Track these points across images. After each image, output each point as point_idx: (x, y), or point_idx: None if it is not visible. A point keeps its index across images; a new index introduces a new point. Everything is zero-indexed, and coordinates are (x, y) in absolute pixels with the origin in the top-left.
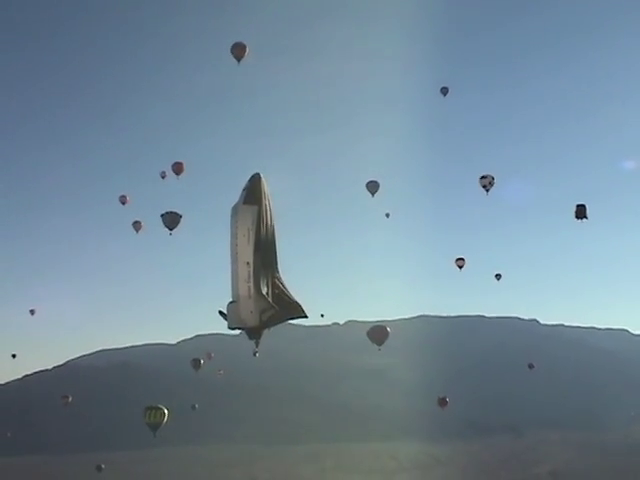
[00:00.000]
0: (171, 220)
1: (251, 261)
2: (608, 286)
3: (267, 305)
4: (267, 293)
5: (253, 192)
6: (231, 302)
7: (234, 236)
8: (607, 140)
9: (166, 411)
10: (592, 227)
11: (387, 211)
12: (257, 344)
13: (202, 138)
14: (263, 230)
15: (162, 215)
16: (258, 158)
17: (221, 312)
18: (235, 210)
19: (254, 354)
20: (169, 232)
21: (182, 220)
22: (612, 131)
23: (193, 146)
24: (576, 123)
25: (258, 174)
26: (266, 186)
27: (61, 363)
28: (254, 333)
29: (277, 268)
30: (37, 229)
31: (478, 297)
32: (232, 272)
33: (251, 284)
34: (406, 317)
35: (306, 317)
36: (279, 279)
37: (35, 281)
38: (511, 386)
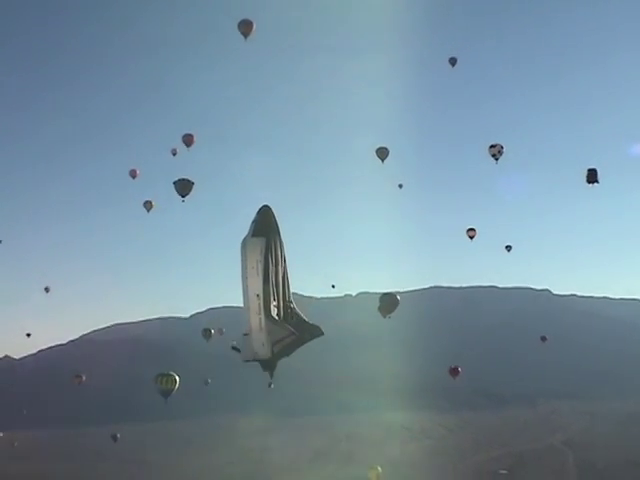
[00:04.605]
0: (183, 187)
1: (261, 293)
2: (621, 256)
3: (282, 335)
4: (281, 320)
5: (261, 224)
6: (244, 334)
7: (244, 269)
8: (620, 105)
9: (177, 378)
10: (604, 196)
11: (399, 181)
12: (271, 375)
13: (212, 107)
14: (272, 261)
15: (174, 182)
16: (266, 129)
17: (234, 347)
18: (244, 243)
19: (269, 385)
20: (182, 199)
21: (194, 188)
22: (624, 95)
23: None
24: (588, 89)
25: (267, 206)
26: (275, 217)
27: (76, 337)
28: (268, 365)
29: (290, 298)
30: (49, 206)
31: (490, 267)
32: (244, 305)
33: (262, 316)
34: (418, 288)
35: (322, 335)
36: (293, 309)
37: (50, 258)
38: (524, 356)
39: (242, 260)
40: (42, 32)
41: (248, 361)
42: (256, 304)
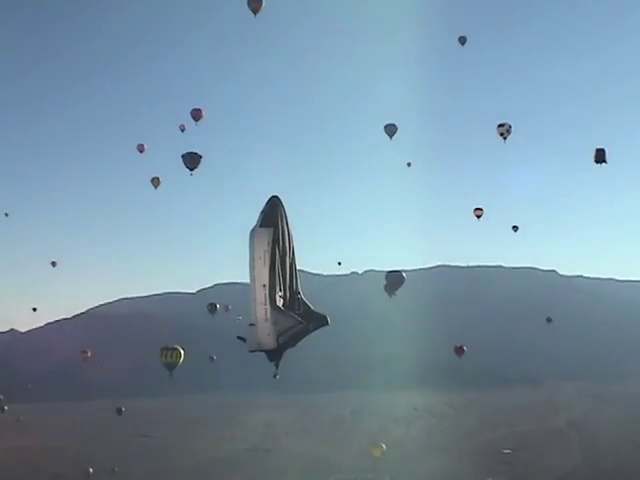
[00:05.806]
0: (191, 160)
1: (267, 283)
2: (628, 238)
3: (287, 325)
4: (287, 310)
5: (269, 215)
6: (250, 324)
7: (251, 259)
8: (631, 86)
9: (182, 351)
10: (612, 177)
11: (407, 159)
12: (277, 366)
13: (219, 85)
14: (279, 251)
15: (183, 156)
16: (276, 108)
17: (239, 337)
18: (252, 234)
19: (274, 376)
20: (190, 173)
21: (202, 161)
22: (636, 76)
23: (210, 92)
24: (596, 69)
25: (276, 196)
26: (284, 208)
27: (82, 312)
28: (273, 355)
29: (298, 289)
30: (57, 180)
31: (497, 247)
32: (250, 295)
33: (267, 306)
34: (425, 267)
35: (327, 324)
36: (300, 299)
37: (56, 232)
38: (529, 336)
39: (250, 251)
40: (49, 11)
41: (253, 351)
42: (262, 294)
